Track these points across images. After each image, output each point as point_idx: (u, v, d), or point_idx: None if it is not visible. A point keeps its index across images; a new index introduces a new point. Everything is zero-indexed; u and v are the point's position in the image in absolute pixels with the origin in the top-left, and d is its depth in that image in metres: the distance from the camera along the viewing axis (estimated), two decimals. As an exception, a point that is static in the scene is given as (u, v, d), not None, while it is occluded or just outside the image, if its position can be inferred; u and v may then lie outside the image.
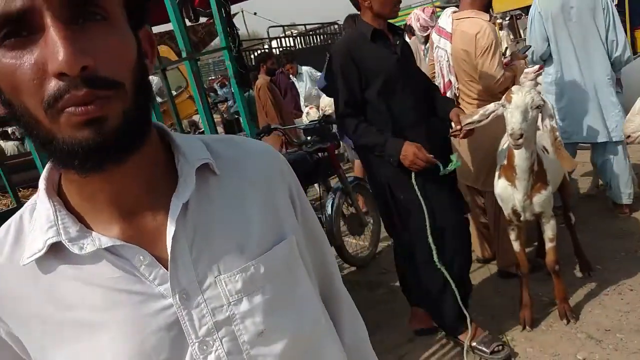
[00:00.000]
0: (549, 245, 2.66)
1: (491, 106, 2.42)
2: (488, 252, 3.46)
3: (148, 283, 0.64)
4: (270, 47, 12.07)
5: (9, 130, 8.01)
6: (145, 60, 0.64)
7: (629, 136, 2.37)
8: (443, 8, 3.83)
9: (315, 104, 6.29)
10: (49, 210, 0.64)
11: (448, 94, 3.12)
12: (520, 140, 2.23)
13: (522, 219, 2.61)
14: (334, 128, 4.32)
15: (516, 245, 2.71)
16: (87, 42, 0.54)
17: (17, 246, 0.66)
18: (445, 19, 3.10)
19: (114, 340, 0.63)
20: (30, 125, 0.57)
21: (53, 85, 0.53)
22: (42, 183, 0.67)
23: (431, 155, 2.35)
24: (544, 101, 2.31)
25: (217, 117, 10.55)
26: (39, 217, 0.65)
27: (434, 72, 3.32)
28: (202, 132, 5.72)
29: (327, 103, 5.64)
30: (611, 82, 3.57)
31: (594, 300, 2.82)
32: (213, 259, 0.67)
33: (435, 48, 3.18)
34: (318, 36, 13.43)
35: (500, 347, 2.54)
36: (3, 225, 0.69)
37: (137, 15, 0.62)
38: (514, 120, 2.24)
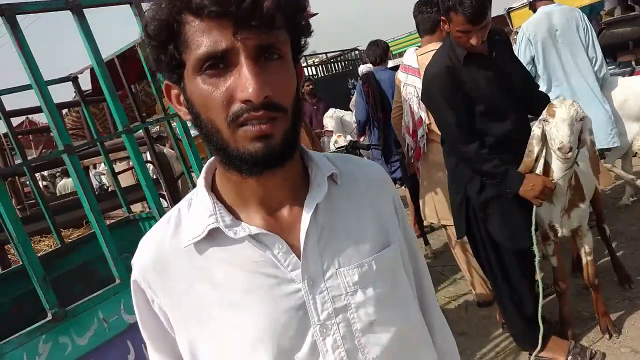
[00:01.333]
0: (587, 259, 2.62)
1: (536, 130, 2.31)
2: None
3: (282, 268, 0.77)
4: (307, 65, 12.34)
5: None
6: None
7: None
8: None
9: (342, 132, 6.39)
10: (209, 202, 0.78)
11: (419, 132, 3.12)
12: (570, 154, 2.17)
13: (559, 234, 2.57)
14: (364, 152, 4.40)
15: (554, 261, 2.66)
16: (268, 76, 0.68)
17: (177, 232, 0.80)
18: (410, 55, 3.18)
19: (252, 318, 0.76)
20: (211, 134, 0.72)
21: (237, 106, 0.68)
22: (201, 181, 0.82)
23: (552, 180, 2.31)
24: (585, 114, 2.25)
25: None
26: (198, 208, 0.80)
27: (400, 113, 3.34)
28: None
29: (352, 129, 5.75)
30: (600, 90, 3.81)
31: (637, 314, 2.75)
32: (335, 253, 0.80)
33: (404, 86, 3.21)
34: (339, 63, 13.65)
35: (594, 353, 2.50)
36: (163, 217, 0.84)
37: (297, 52, 0.76)
38: (561, 133, 2.16)
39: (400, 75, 3.26)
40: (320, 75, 12.57)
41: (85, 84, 3.86)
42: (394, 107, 3.51)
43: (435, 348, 0.93)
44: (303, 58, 15.83)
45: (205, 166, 0.84)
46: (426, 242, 4.45)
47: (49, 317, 1.61)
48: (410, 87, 3.14)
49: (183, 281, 0.78)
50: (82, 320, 1.68)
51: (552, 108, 2.25)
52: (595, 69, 3.81)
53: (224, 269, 0.77)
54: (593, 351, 2.52)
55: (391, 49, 6.29)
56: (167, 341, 0.83)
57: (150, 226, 1.32)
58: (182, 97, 0.76)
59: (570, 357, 2.50)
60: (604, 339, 2.61)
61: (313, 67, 13.28)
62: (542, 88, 3.81)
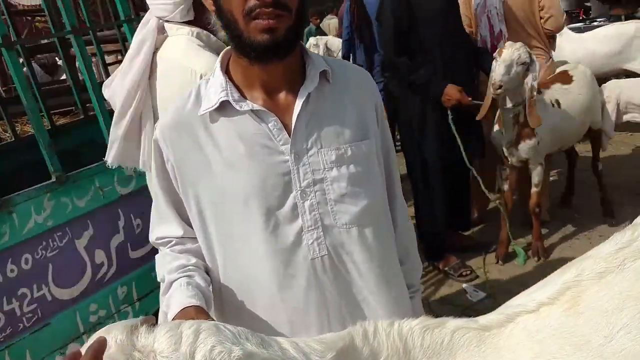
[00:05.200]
0: (533, 189, 2.97)
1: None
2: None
3: (275, 141, 0.98)
4: None
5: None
6: None
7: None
8: None
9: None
10: (222, 81, 0.97)
11: (500, 45, 3.09)
12: (499, 91, 2.51)
13: (510, 162, 2.92)
14: None
15: (505, 185, 3.02)
16: None
17: (196, 103, 1.00)
18: None
19: (247, 177, 0.97)
20: (230, 23, 0.90)
21: (252, 2, 0.86)
22: (217, 64, 1.01)
23: (470, 98, 2.66)
24: (532, 60, 2.53)
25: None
26: (213, 84, 0.98)
27: (468, 25, 3.22)
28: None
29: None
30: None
31: (565, 244, 3.15)
32: (319, 136, 1.00)
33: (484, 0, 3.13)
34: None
35: (468, 272, 2.95)
36: (186, 92, 1.03)
37: None
38: (496, 72, 2.50)
39: None
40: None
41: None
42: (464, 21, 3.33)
43: (396, 224, 1.15)
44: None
45: (222, 53, 1.02)
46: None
47: (53, 178, 1.84)
48: (492, 0, 3.07)
49: (195, 141, 0.99)
50: (81, 185, 1.90)
51: (502, 49, 2.55)
52: None
53: (229, 136, 0.97)
54: (467, 271, 2.96)
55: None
56: (173, 197, 1.05)
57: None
58: None
59: (446, 268, 3.00)
60: (532, 260, 3.01)
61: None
62: None
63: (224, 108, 0.96)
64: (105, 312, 1.97)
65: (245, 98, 0.97)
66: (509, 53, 2.51)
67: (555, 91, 2.95)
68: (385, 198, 1.12)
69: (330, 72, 1.01)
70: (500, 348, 0.94)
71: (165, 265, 1.05)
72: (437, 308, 2.73)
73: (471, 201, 3.34)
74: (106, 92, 1.71)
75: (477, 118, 2.74)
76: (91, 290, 1.94)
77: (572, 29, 5.91)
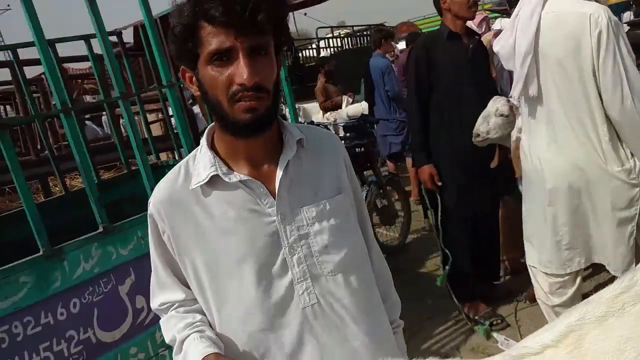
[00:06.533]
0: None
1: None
2: None
3: (262, 205, 1.09)
4: (319, 47, 12.52)
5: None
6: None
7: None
8: (493, 11, 4.00)
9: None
10: (210, 156, 1.09)
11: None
12: (478, 139, 2.72)
13: None
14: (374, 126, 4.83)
15: None
16: (258, 67, 0.99)
17: (186, 178, 1.12)
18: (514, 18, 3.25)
19: (239, 240, 1.08)
20: (215, 106, 1.03)
21: (235, 88, 0.99)
22: (203, 141, 1.14)
23: (438, 184, 2.86)
24: (514, 114, 2.69)
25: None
26: (201, 160, 1.10)
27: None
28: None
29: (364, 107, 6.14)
30: None
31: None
32: (300, 196, 1.12)
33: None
34: (365, 37, 13.74)
35: (499, 321, 2.94)
36: (174, 167, 1.15)
37: (279, 49, 1.07)
38: (477, 122, 2.72)
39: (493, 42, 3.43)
40: (345, 48, 12.73)
41: (127, 39, 4.23)
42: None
43: (374, 267, 1.25)
44: (330, 29, 15.96)
45: (206, 130, 1.16)
46: (425, 215, 4.80)
47: (100, 229, 2.02)
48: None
49: (188, 213, 1.09)
50: (125, 235, 2.08)
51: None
52: None
53: (220, 205, 1.08)
54: (498, 319, 2.97)
55: (422, 27, 6.63)
56: (170, 265, 1.15)
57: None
58: (194, 79, 1.05)
59: (477, 317, 3.00)
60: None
61: (339, 39, 13.41)
62: None
63: (214, 181, 1.08)
64: (144, 355, 2.10)
65: (232, 170, 1.09)
66: (490, 106, 2.71)
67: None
68: (364, 244, 1.22)
69: (305, 139, 1.14)
70: (508, 390, 0.99)
71: (173, 326, 1.13)
72: (468, 356, 2.72)
73: (500, 252, 3.35)
74: (496, 46, 2.24)
75: (516, 175, 2.83)
76: (132, 333, 2.07)
77: None
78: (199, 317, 1.13)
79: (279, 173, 1.09)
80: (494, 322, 2.95)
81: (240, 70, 0.97)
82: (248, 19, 0.95)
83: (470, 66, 2.84)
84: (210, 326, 1.14)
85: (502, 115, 2.69)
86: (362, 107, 6.37)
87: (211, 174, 1.07)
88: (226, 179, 1.07)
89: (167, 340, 1.16)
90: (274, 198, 1.09)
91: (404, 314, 3.33)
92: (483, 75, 2.97)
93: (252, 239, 1.08)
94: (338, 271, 1.12)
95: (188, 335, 1.09)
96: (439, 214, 2.90)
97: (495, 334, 2.89)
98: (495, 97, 2.76)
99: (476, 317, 3.00)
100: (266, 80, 1.01)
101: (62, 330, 1.86)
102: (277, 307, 1.09)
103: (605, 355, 1.00)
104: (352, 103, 6.67)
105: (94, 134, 7.35)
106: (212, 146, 1.13)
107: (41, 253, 1.83)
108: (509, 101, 2.73)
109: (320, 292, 1.10)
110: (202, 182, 1.08)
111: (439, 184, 2.86)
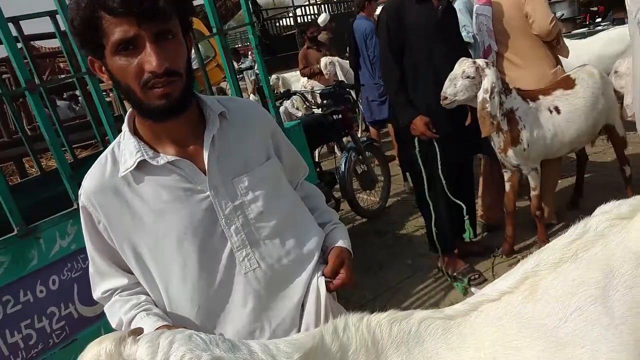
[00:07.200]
0: (532, 193, 3.06)
1: None
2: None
3: (194, 183, 1.10)
4: (295, 15, 12.32)
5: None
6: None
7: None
8: None
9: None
10: (134, 142, 1.08)
11: (489, 59, 3.28)
12: (446, 102, 2.75)
13: (506, 166, 3.06)
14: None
15: (507, 186, 3.13)
16: (166, 52, 0.98)
17: (114, 166, 1.11)
18: None
19: (175, 219, 1.09)
20: (129, 94, 1.02)
21: (146, 76, 0.98)
22: (125, 127, 1.13)
23: (434, 131, 2.82)
24: (480, 75, 2.72)
25: (242, 84, 10.99)
26: (126, 147, 1.09)
27: None
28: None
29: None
30: None
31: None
32: (230, 168, 1.13)
33: (476, 16, 3.31)
34: (342, 4, 13.54)
35: (477, 276, 3.03)
36: (100, 157, 1.14)
37: (186, 29, 1.06)
38: (444, 85, 2.75)
39: (476, 7, 3.37)
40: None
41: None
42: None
43: (303, 189, 1.33)
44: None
45: (126, 116, 1.14)
46: (405, 179, 4.85)
47: (75, 206, 2.02)
48: (481, 17, 3.25)
49: (122, 200, 1.09)
50: (101, 211, 2.08)
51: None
52: None
53: (152, 188, 1.09)
54: (475, 274, 3.06)
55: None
56: (108, 253, 1.14)
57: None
58: (103, 68, 1.02)
59: (455, 273, 3.09)
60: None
61: (315, 6, 13.20)
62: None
63: (142, 166, 1.08)
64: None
65: (159, 152, 1.08)
66: (456, 68, 2.74)
67: (556, 97, 3.02)
68: (296, 199, 1.26)
69: (227, 111, 1.14)
70: (465, 335, 1.04)
71: (118, 309, 1.13)
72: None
73: (476, 209, 3.43)
74: None
75: (482, 136, 2.87)
76: (113, 307, 2.10)
77: (576, 35, 5.99)
78: (143, 297, 1.14)
79: (206, 148, 1.10)
80: (472, 278, 3.04)
81: (149, 58, 0.96)
82: (149, 7, 0.93)
83: (440, 27, 2.83)
84: (156, 305, 1.14)
85: (468, 77, 2.72)
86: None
87: (138, 160, 1.07)
88: (154, 163, 1.07)
89: (113, 325, 1.16)
90: (205, 174, 1.10)
91: (384, 274, 3.42)
92: (453, 37, 2.97)
93: (188, 217, 1.09)
94: (275, 235, 1.16)
95: (135, 315, 1.10)
96: (439, 163, 2.89)
97: (473, 289, 2.99)
98: (461, 59, 2.77)
99: (455, 274, 3.10)
100: (176, 64, 1.00)
101: (42, 307, 1.87)
102: (220, 277, 1.12)
103: (559, 299, 1.06)
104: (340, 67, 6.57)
105: (65, 114, 7.22)
106: (135, 131, 1.12)
107: (15, 232, 1.83)
108: (474, 62, 2.75)
109: (260, 256, 1.14)
110: (131, 169, 1.07)
111: (434, 131, 2.84)
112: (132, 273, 1.15)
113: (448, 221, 3.08)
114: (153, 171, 1.09)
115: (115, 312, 1.14)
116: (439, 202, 3.03)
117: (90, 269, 1.19)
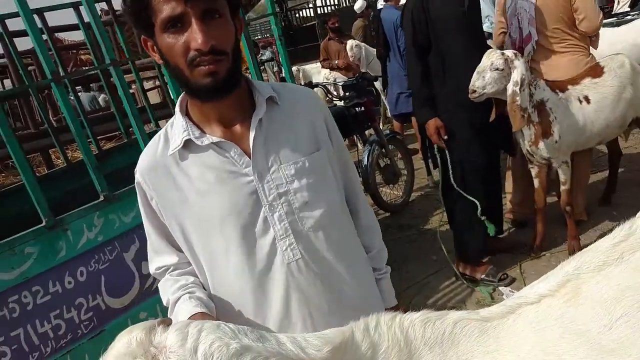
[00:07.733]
0: (562, 188, 2.97)
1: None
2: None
3: (238, 166, 1.10)
4: (315, 6, 12.23)
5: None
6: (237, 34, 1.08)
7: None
8: None
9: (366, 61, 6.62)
10: (183, 122, 1.10)
11: (527, 49, 3.18)
12: (475, 95, 2.67)
13: (534, 161, 2.97)
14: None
15: (536, 182, 3.06)
16: (212, 31, 0.98)
17: (165, 145, 1.13)
18: None
19: (219, 201, 1.09)
20: (177, 72, 1.03)
21: (192, 54, 0.98)
22: (177, 108, 1.14)
23: (445, 139, 2.80)
24: (509, 67, 2.64)
25: (264, 76, 10.96)
26: (176, 126, 1.12)
27: (502, 31, 3.33)
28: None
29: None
30: None
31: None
32: (277, 154, 1.12)
33: (512, 2, 3.18)
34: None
35: (505, 276, 2.97)
36: (155, 136, 1.16)
37: (235, 10, 1.05)
38: (473, 78, 2.67)
39: None
40: (343, 6, 12.43)
41: (116, 4, 4.14)
42: (497, 26, 3.44)
43: (359, 217, 1.28)
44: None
45: (180, 97, 1.15)
46: (428, 172, 4.79)
47: (101, 198, 2.02)
48: (523, 2, 3.11)
49: (170, 178, 1.11)
50: (127, 203, 2.09)
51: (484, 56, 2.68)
52: None
53: (198, 168, 1.10)
54: (504, 275, 2.99)
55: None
56: (162, 229, 1.17)
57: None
58: (155, 47, 1.04)
59: (483, 276, 3.01)
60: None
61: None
62: None
63: (189, 145, 1.09)
64: (154, 319, 2.14)
65: (205, 133, 1.10)
66: (484, 60, 2.66)
67: (585, 86, 2.94)
68: (342, 199, 1.23)
69: (277, 96, 1.14)
70: (501, 338, 1.00)
71: (168, 288, 1.17)
72: (474, 309, 2.76)
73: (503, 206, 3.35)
74: None
75: (513, 130, 2.80)
76: (140, 299, 2.11)
77: (607, 24, 5.80)
78: (191, 279, 1.17)
79: (252, 131, 1.09)
80: (502, 278, 2.97)
81: (195, 35, 0.96)
82: None
83: (467, 17, 2.76)
84: (204, 287, 1.17)
85: (497, 69, 2.64)
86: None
87: (184, 139, 1.08)
88: (198, 142, 1.08)
89: (164, 303, 1.19)
90: (250, 158, 1.09)
91: (408, 269, 3.39)
92: (477, 28, 2.90)
93: (231, 199, 1.09)
94: (319, 227, 1.14)
95: (180, 297, 1.13)
96: (449, 169, 2.84)
97: (502, 289, 2.93)
98: (489, 51, 2.70)
99: (483, 277, 3.02)
100: (223, 43, 1.00)
101: (71, 298, 1.89)
102: (262, 263, 1.11)
103: (603, 304, 1.01)
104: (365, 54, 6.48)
105: (88, 106, 7.31)
106: (186, 112, 1.14)
107: (44, 224, 1.85)
108: (503, 54, 2.67)
109: (304, 248, 1.12)
110: (178, 148, 1.09)
111: (445, 137, 2.79)
112: (183, 252, 1.18)
113: (469, 227, 3.01)
114: (198, 151, 1.10)
115: (165, 291, 1.18)
116: (456, 204, 2.98)
117: (148, 245, 1.23)
